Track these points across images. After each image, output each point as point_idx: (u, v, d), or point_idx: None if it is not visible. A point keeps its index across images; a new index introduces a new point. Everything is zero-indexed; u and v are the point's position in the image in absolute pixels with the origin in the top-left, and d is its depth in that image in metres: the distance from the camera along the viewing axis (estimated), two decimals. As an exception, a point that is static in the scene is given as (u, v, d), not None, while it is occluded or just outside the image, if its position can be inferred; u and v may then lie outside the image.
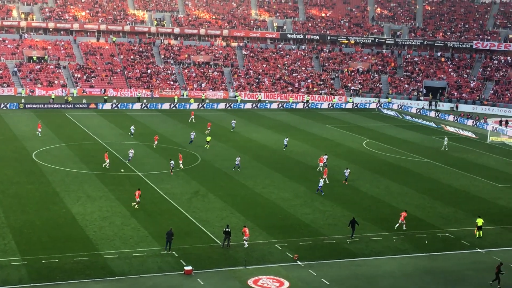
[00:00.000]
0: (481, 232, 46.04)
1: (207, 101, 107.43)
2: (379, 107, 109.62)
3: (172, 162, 59.30)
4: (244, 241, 41.83)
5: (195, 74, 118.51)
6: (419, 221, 48.99)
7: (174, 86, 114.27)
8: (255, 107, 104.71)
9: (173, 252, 40.27)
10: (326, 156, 64.68)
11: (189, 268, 37.65)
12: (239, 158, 62.19)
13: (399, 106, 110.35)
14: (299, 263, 39.89)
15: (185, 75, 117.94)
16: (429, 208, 52.60)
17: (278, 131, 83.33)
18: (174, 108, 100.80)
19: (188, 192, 53.75)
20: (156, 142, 70.46)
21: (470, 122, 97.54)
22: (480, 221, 46.18)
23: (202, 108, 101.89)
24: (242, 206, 50.73)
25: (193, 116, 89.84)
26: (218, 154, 68.60)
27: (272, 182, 57.98)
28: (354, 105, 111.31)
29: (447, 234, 46.52)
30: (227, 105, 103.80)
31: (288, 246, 42.55)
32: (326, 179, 56.64)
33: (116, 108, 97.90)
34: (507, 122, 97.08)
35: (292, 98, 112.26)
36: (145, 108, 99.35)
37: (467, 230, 47.34)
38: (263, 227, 45.86)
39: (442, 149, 77.06)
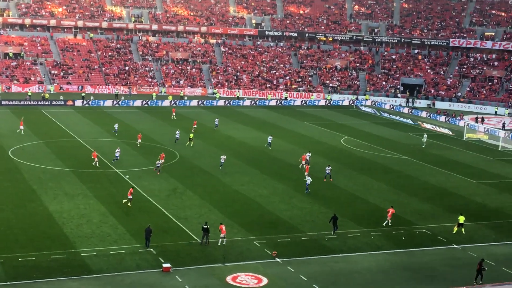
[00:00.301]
0: (462, 229, 46.48)
1: (186, 98, 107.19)
2: (356, 104, 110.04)
3: (159, 162, 58.80)
4: (221, 238, 41.86)
5: (173, 71, 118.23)
6: (396, 218, 49.26)
7: (152, 83, 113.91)
8: (254, 104, 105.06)
9: (151, 250, 40.22)
10: (309, 154, 64.80)
11: (168, 265, 37.63)
12: (224, 157, 61.92)
13: (376, 103, 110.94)
14: (278, 259, 40.03)
15: (163, 72, 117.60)
16: (406, 205, 53.00)
17: (256, 128, 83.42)
18: (152, 105, 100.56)
19: (166, 190, 53.66)
20: (139, 140, 69.96)
21: (444, 119, 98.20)
22: (461, 219, 46.64)
23: (178, 105, 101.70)
24: (221, 203, 50.76)
25: (174, 113, 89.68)
26: (197, 151, 68.55)
27: (251, 179, 58.07)
28: (332, 102, 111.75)
29: (424, 230, 46.92)
30: (202, 102, 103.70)
31: (267, 243, 42.67)
32: (309, 177, 56.55)
33: (93, 105, 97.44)
34: (483, 119, 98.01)
35: (271, 95, 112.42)
36: (123, 105, 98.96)
37: (443, 226, 47.80)
38: (241, 224, 45.94)
39: (423, 146, 77.58)
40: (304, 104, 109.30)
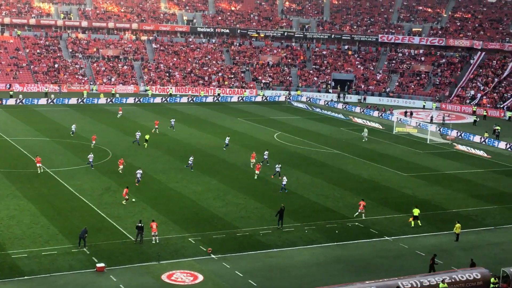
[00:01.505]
0: (418, 221, 47.49)
1: (117, 95, 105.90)
2: (289, 100, 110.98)
3: (139, 171, 55.14)
4: (153, 237, 41.58)
5: (104, 68, 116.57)
6: (329, 211, 50.03)
7: (83, 81, 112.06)
8: (191, 101, 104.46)
9: (85, 250, 39.64)
10: (267, 152, 64.55)
11: (102, 265, 37.18)
12: (192, 158, 60.87)
13: (308, 99, 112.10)
14: (213, 256, 40.06)
15: (94, 69, 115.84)
16: (339, 198, 53.78)
17: (189, 125, 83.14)
18: (82, 103, 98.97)
19: (99, 188, 52.95)
20: (94, 142, 67.61)
21: (376, 114, 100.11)
22: (416, 211, 47.69)
23: (111, 102, 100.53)
24: (155, 200, 50.44)
25: (121, 112, 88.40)
26: (130, 149, 67.87)
27: (185, 176, 57.87)
28: (265, 98, 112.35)
29: (356, 223, 47.71)
30: (137, 99, 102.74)
31: (202, 239, 42.65)
32: (285, 177, 56.43)
33: (21, 103, 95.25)
34: (411, 113, 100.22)
35: (204, 92, 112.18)
36: (52, 103, 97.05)
37: (376, 219, 48.74)
38: (176, 222, 45.77)
39: (363, 140, 78.82)
40: (242, 101, 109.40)
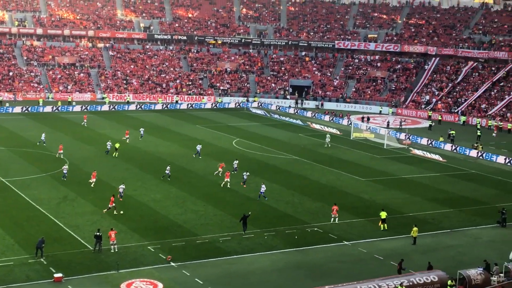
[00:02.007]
0: (385, 225, 48.10)
1: (74, 103, 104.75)
2: (248, 107, 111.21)
3: (122, 186, 53.24)
4: (111, 246, 41.25)
5: (60, 76, 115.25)
6: (289, 217, 50.25)
7: (39, 89, 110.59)
8: (139, 108, 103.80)
9: (42, 260, 39.11)
10: (237, 161, 64.23)
11: (59, 275, 36.73)
12: (169, 167, 60.28)
13: (269, 105, 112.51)
14: (173, 264, 39.91)
15: (50, 77, 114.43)
16: (298, 204, 54.06)
17: (148, 133, 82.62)
18: (63, 110, 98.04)
19: (56, 197, 52.32)
20: (61, 152, 66.44)
21: (343, 121, 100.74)
22: (383, 214, 48.36)
23: (63, 110, 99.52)
24: (113, 209, 49.95)
25: (86, 120, 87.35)
26: (88, 157, 67.22)
27: (143, 184, 57.54)
28: (220, 104, 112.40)
29: (315, 229, 48.02)
30: (92, 107, 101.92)
31: (161, 247, 42.45)
32: (263, 184, 56.35)
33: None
34: (368, 119, 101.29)
35: (162, 99, 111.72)
36: (8, 111, 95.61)
37: (334, 224, 49.09)
38: (135, 230, 45.47)
39: (325, 146, 79.37)
40: (195, 108, 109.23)
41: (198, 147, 70.36)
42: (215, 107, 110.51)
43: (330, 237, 46.45)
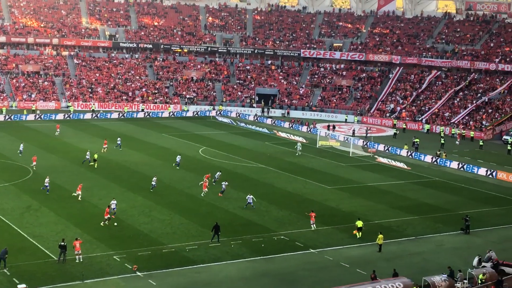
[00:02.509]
0: (360, 233, 48.52)
1: (38, 112, 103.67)
2: (215, 115, 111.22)
3: (114, 202, 51.64)
4: (76, 256, 40.85)
5: (24, 84, 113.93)
6: (255, 226, 50.30)
7: (2, 97, 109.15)
8: (95, 117, 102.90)
9: (5, 271, 38.56)
10: (220, 173, 63.84)
11: (23, 286, 36.18)
12: (155, 178, 59.66)
13: (226, 112, 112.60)
14: (139, 273, 39.65)
15: (13, 85, 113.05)
16: (265, 212, 54.15)
17: (113, 141, 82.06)
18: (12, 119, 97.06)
19: (19, 207, 51.65)
20: (34, 163, 65.01)
21: (304, 128, 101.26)
22: (359, 223, 48.82)
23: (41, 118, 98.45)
24: (78, 219, 49.58)
25: (58, 130, 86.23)
26: (51, 166, 66.49)
27: (108, 193, 57.07)
28: (190, 113, 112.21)
29: (282, 237, 48.15)
30: (59, 116, 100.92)
31: (127, 257, 42.16)
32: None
33: None
34: (334, 127, 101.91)
35: (127, 107, 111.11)
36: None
37: (300, 232, 49.30)
38: (100, 239, 45.09)
39: (297, 154, 79.76)
40: (167, 116, 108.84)
41: (178, 158, 69.81)
42: (172, 116, 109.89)
43: (297, 245, 46.59)
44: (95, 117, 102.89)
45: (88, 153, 69.36)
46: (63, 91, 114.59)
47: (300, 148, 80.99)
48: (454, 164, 77.31)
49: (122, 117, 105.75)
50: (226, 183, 59.49)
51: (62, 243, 40.69)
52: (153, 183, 59.14)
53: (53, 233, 45.77)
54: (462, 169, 76.37)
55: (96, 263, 40.96)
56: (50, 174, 62.53)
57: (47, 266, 40.07)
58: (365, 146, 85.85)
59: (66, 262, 40.44)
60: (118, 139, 79.55)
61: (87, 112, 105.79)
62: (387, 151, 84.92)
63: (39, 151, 73.06)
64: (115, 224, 48.63)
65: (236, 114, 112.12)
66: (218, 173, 63.95)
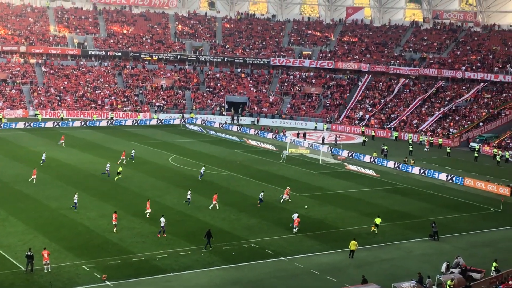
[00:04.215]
0: (376, 229, 52.34)
1: (5, 120, 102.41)
2: (183, 123, 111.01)
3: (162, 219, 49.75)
4: (44, 266, 40.40)
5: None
6: (225, 234, 50.21)
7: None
8: (56, 125, 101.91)
9: (-28, 282, 38.03)
10: (204, 168, 64.48)
11: (-10, 297, 35.78)
12: (190, 192, 58.68)
13: (203, 121, 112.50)
14: (108, 283, 39.33)
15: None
16: (235, 220, 54.11)
17: (82, 150, 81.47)
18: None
19: (-14, 217, 50.96)
20: (34, 177, 63.38)
21: (270, 135, 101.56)
22: (378, 220, 52.89)
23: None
24: (47, 228, 49.04)
25: (63, 140, 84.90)
26: (19, 175, 65.72)
27: (77, 202, 56.54)
28: (159, 121, 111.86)
29: (252, 245, 48.14)
30: (27, 124, 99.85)
31: (96, 266, 41.80)
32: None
33: None
34: (304, 135, 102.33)
35: (96, 116, 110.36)
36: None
37: (271, 239, 49.34)
38: (69, 249, 44.64)
39: (281, 161, 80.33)
40: (136, 124, 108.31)
41: (202, 169, 69.58)
42: (136, 124, 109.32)
43: (267, 252, 46.62)
44: (57, 126, 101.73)
45: (108, 165, 68.35)
46: (31, 99, 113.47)
47: (285, 156, 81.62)
48: (416, 170, 78.39)
49: (111, 124, 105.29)
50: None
51: (29, 253, 40.22)
52: (188, 197, 58.39)
53: (21, 243, 45.20)
54: (423, 174, 77.27)
55: (65, 272, 40.53)
56: (18, 183, 61.90)
57: (14, 276, 39.54)
58: (329, 151, 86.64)
59: (34, 272, 39.98)
60: (133, 151, 78.43)
61: (55, 120, 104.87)
62: (351, 157, 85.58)
63: (4, 160, 72.23)
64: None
65: (202, 121, 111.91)
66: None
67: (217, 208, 56.84)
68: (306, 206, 58.85)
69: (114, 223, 49.11)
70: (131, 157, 76.15)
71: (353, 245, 46.61)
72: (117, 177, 65.74)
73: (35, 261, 40.24)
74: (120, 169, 67.12)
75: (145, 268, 42.31)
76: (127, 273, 41.18)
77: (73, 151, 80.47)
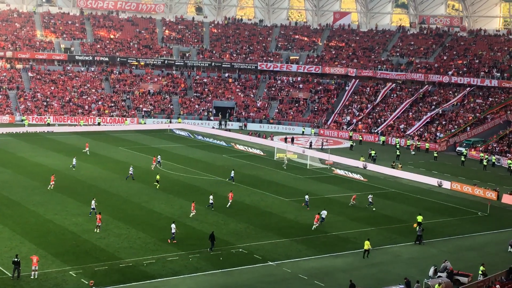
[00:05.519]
0: (418, 226, 53.27)
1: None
2: (172, 129, 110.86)
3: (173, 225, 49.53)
4: (32, 272, 40.14)
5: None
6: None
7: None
8: (44, 131, 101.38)
9: (-42, 289, 37.75)
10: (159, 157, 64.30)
11: (-24, 304, 35.53)
12: (212, 199, 58.97)
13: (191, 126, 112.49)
14: (95, 289, 39.17)
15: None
16: (223, 225, 54.02)
17: (69, 155, 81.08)
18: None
19: (-28, 223, 50.62)
20: (52, 183, 63.34)
21: (257, 141, 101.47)
22: (420, 218, 55.01)
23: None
24: (33, 234, 48.78)
25: (88, 148, 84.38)
26: (5, 181, 65.34)
27: (64, 208, 56.33)
28: (146, 126, 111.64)
29: (240, 250, 48.08)
30: (13, 130, 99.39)
31: (83, 272, 41.60)
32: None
33: None
34: (292, 139, 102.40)
35: (83, 121, 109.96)
36: None
37: (259, 244, 49.30)
38: (56, 255, 44.41)
39: (283, 166, 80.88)
40: (124, 130, 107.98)
41: (232, 172, 71.39)
42: (138, 129, 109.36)
43: (255, 257, 46.56)
44: (45, 131, 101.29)
45: (131, 168, 68.46)
46: (17, 104, 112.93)
47: (286, 162, 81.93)
48: (407, 175, 78.56)
49: (98, 130, 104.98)
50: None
51: (16, 259, 39.98)
52: (211, 201, 59.08)
53: (7, 249, 44.92)
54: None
55: (52, 278, 40.30)
56: (4, 189, 61.54)
57: (1, 283, 39.27)
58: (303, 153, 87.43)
59: (21, 278, 39.73)
60: (159, 156, 78.51)
61: (42, 126, 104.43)
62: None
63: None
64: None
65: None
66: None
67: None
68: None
69: (98, 224, 48.98)
70: (158, 162, 76.91)
71: (366, 245, 47.54)
72: (157, 185, 65.90)
73: (22, 266, 39.97)
74: (158, 176, 67.15)
75: (133, 273, 42.15)
76: (114, 278, 41.01)
77: (59, 157, 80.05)
